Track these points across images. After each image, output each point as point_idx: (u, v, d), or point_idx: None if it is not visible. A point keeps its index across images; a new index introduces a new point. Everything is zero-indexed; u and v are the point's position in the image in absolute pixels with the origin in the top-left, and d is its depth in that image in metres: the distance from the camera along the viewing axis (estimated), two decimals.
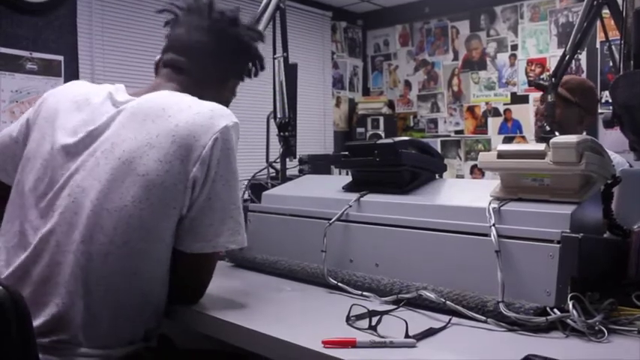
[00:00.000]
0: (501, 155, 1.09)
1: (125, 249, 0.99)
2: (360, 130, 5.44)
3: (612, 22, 1.51)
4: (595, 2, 1.57)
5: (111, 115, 1.07)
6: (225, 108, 1.11)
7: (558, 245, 0.94)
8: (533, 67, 4.72)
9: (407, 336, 0.87)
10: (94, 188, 1.00)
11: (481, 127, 5.06)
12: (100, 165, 1.02)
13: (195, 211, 1.04)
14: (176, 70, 1.19)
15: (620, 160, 2.12)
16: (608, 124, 1.23)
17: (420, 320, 0.98)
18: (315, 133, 5.33)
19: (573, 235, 0.93)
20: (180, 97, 1.10)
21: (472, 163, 5.07)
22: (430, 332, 0.91)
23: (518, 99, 4.81)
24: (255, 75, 1.32)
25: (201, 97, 1.13)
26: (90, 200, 1.00)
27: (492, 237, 1.00)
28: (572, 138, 1.01)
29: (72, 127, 1.08)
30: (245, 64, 1.28)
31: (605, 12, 1.56)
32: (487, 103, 5.01)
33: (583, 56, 4.27)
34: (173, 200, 1.01)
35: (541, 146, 1.05)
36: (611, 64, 3.95)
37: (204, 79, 1.20)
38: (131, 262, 1.01)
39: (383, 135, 5.20)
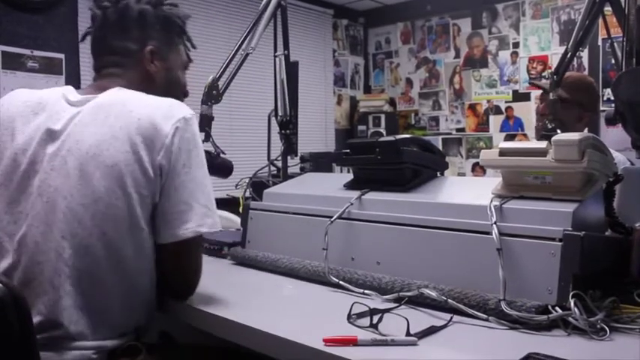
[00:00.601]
0: (503, 153, 1.09)
1: (104, 239, 1.01)
2: (361, 127, 5.44)
3: (614, 19, 1.50)
4: None
5: (71, 115, 1.09)
6: (182, 103, 1.14)
7: (560, 243, 0.94)
8: (534, 65, 4.72)
9: (408, 334, 0.87)
10: (65, 185, 1.02)
11: (483, 125, 5.05)
12: (67, 163, 1.04)
13: (164, 199, 1.06)
14: (103, 69, 1.22)
15: (621, 158, 2.11)
16: (611, 122, 1.23)
17: (421, 318, 0.97)
18: (317, 131, 5.33)
19: (575, 233, 0.93)
20: (137, 94, 1.13)
21: (473, 160, 5.07)
22: (431, 330, 0.91)
23: (520, 97, 4.80)
24: (183, 33, 1.30)
25: (140, 79, 1.19)
26: (63, 197, 1.01)
27: (494, 235, 1.00)
28: (574, 135, 1.01)
29: (32, 130, 1.09)
30: (153, 28, 1.24)
31: (607, 9, 1.55)
32: (489, 101, 5.01)
33: (585, 54, 4.27)
34: (144, 188, 1.04)
35: (543, 144, 1.04)
36: (613, 61, 3.95)
37: (122, 61, 1.21)
38: (112, 252, 1.03)
39: (384, 133, 5.20)
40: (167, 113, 1.07)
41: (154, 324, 1.16)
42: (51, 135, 1.07)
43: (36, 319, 0.97)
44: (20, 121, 1.11)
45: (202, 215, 1.08)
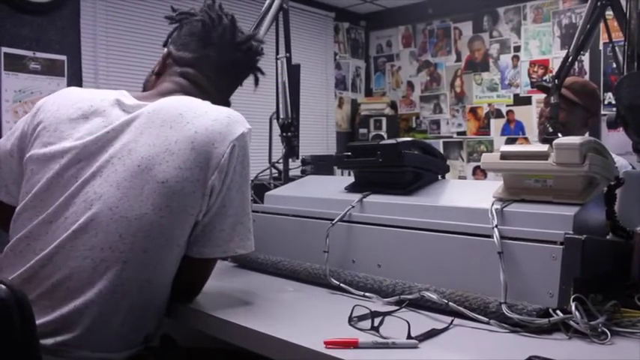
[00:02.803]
0: (504, 156, 1.09)
1: (144, 257, 0.99)
2: (362, 130, 5.44)
3: (616, 23, 1.50)
4: (598, 3, 1.57)
5: (125, 121, 1.06)
6: (239, 114, 1.11)
7: (561, 247, 0.94)
8: (535, 69, 4.72)
9: (409, 337, 0.87)
10: (111, 195, 0.99)
11: (484, 129, 5.05)
12: (117, 172, 1.01)
13: (209, 217, 1.04)
14: (194, 85, 1.20)
15: (622, 162, 2.12)
16: (612, 125, 1.23)
17: (422, 321, 0.97)
18: (318, 134, 5.33)
19: (576, 236, 0.93)
20: (194, 102, 1.11)
21: (474, 164, 5.06)
22: (432, 333, 0.91)
23: (521, 100, 4.80)
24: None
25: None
26: (108, 207, 0.99)
27: (495, 238, 1.00)
28: (576, 139, 1.01)
29: (82, 134, 1.06)
30: (242, 78, 1.31)
31: (609, 13, 1.56)
32: (490, 105, 5.00)
33: (586, 58, 4.27)
34: (191, 207, 1.02)
35: (544, 147, 1.05)
36: (614, 65, 3.95)
37: (217, 97, 1.21)
38: (147, 269, 1.01)
39: (385, 136, 5.20)
40: (225, 128, 1.05)
41: (160, 331, 1.16)
42: (102, 141, 1.04)
43: (51, 321, 0.96)
44: (69, 125, 1.07)
45: (243, 237, 1.08)
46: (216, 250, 1.06)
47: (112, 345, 1.00)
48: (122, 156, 1.02)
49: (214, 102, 1.15)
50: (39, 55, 3.46)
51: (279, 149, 1.98)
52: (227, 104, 1.25)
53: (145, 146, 1.02)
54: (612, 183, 1.11)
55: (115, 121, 1.06)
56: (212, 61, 1.21)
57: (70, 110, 1.10)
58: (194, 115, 1.05)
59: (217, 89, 1.23)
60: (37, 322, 0.87)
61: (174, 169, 1.00)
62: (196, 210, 1.02)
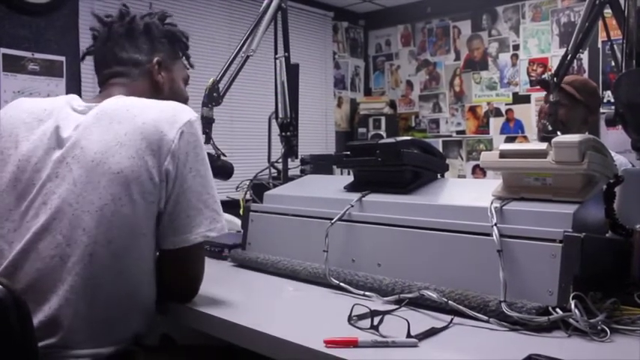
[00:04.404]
0: (503, 155, 1.09)
1: (109, 247, 1.00)
2: (361, 130, 5.44)
3: (614, 21, 1.50)
4: (597, 2, 1.57)
5: (76, 122, 1.08)
6: (185, 106, 1.14)
7: (560, 245, 0.94)
8: (534, 67, 4.72)
9: (409, 336, 0.87)
10: (71, 193, 1.01)
11: (483, 127, 5.06)
12: (72, 170, 1.03)
13: (172, 205, 1.06)
14: (109, 79, 1.22)
15: (622, 160, 2.12)
16: (611, 123, 1.23)
17: (421, 320, 0.97)
18: (317, 134, 5.33)
19: (575, 234, 0.93)
20: (139, 99, 1.13)
21: (474, 163, 5.07)
22: (432, 332, 0.91)
23: (520, 99, 4.80)
24: (186, 48, 1.35)
25: (147, 89, 1.21)
26: (68, 204, 1.00)
27: (494, 236, 1.00)
28: (575, 137, 1.01)
29: (37, 138, 1.08)
30: (159, 41, 1.28)
31: (607, 11, 1.56)
32: (489, 103, 5.01)
33: (585, 56, 4.27)
34: (150, 194, 1.03)
35: (543, 145, 1.05)
36: (612, 63, 3.95)
37: (130, 71, 1.22)
38: (116, 260, 1.02)
39: (385, 135, 5.20)
40: (171, 117, 1.07)
41: (156, 328, 1.16)
42: (57, 142, 1.07)
43: (35, 327, 0.94)
44: (24, 128, 1.10)
45: (211, 220, 1.09)
46: (186, 238, 1.07)
47: (97, 340, 1.01)
48: (75, 154, 1.04)
49: (144, 75, 1.22)
50: (38, 55, 3.46)
51: (278, 149, 1.98)
52: (159, 75, 1.25)
53: (95, 143, 1.04)
54: (611, 181, 1.11)
55: (68, 123, 1.09)
56: (116, 50, 1.23)
57: (23, 115, 1.13)
58: (141, 110, 1.08)
59: (132, 63, 1.23)
60: None
61: (127, 158, 1.02)
62: (156, 197, 1.04)
